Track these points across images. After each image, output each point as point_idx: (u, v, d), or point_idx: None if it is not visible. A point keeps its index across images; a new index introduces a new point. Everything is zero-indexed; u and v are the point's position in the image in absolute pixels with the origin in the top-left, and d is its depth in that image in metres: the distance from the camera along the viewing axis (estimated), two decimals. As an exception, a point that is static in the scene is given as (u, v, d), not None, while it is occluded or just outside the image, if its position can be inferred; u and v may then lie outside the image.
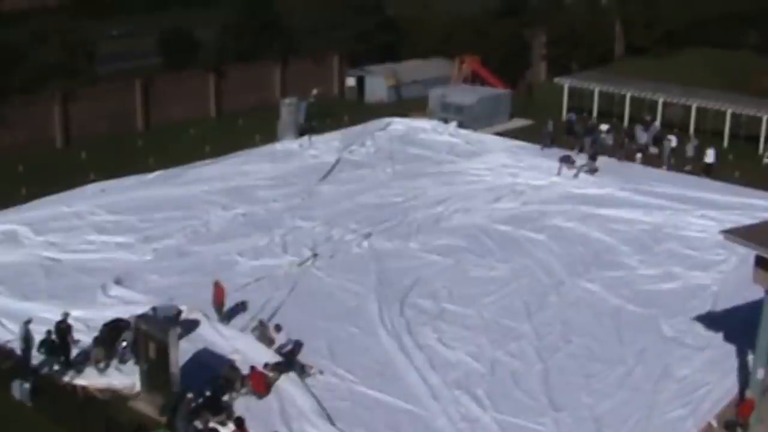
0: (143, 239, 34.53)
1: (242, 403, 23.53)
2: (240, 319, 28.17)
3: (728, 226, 29.14)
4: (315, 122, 50.44)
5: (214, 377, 24.03)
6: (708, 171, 43.42)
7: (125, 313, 26.78)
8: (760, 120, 47.29)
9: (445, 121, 51.16)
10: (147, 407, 23.43)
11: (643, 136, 47.66)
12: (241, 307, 28.91)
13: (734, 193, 40.56)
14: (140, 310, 25.94)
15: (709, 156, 43.88)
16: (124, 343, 25.26)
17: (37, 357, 25.00)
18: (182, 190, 40.17)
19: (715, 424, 22.99)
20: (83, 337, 25.83)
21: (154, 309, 26.34)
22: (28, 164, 42.44)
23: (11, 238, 34.33)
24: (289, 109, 48.79)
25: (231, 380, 24.00)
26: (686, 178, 42.95)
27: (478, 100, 51.95)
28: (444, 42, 62.93)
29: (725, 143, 47.97)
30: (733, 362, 25.93)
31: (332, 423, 22.78)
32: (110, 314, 27.51)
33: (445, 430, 22.79)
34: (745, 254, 26.63)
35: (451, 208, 38.70)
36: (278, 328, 26.51)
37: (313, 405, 23.39)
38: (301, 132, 48.82)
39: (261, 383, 23.90)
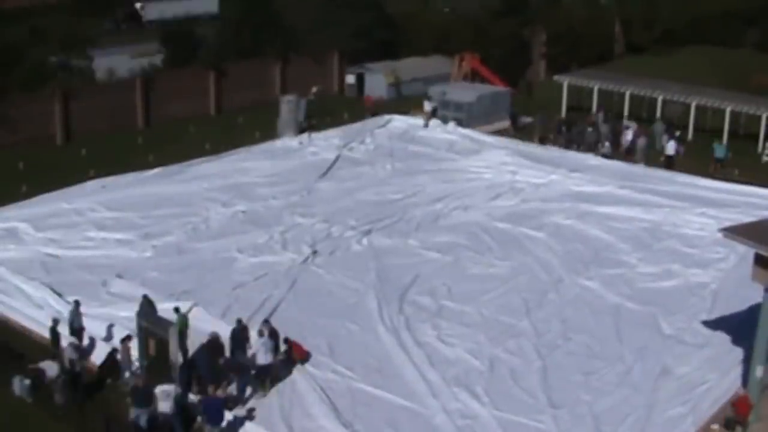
0: (143, 236, 34.57)
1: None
2: (238, 316, 28.13)
3: (727, 224, 29.19)
4: (315, 120, 50.52)
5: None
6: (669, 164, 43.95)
7: (127, 309, 26.91)
8: (759, 118, 47.30)
9: (445, 119, 51.18)
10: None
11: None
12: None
13: (733, 191, 40.59)
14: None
15: (670, 148, 44.35)
16: None
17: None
18: (182, 187, 40.23)
19: (716, 427, 22.98)
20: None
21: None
22: (28, 161, 42.46)
23: (12, 234, 34.39)
24: (288, 107, 48.83)
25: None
26: (685, 175, 42.84)
27: (477, 98, 51.96)
28: (443, 40, 62.98)
29: (724, 141, 47.95)
30: (733, 360, 25.92)
31: (338, 419, 22.82)
32: (112, 310, 27.67)
33: (444, 427, 22.82)
34: (745, 252, 26.65)
35: (451, 205, 38.73)
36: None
37: (316, 401, 23.44)
38: (301, 129, 48.90)
39: (301, 350, 25.05)
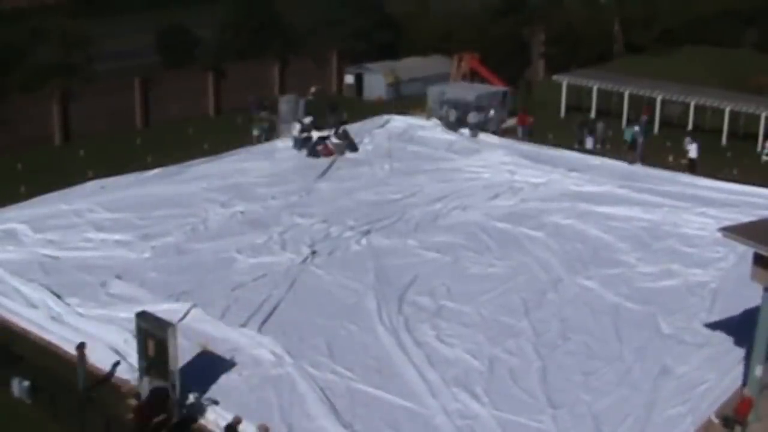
0: (142, 237, 34.54)
1: (238, 399, 23.54)
2: (237, 317, 28.16)
3: (727, 223, 29.15)
4: (315, 120, 50.49)
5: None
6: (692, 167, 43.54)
7: (126, 310, 26.87)
8: (758, 117, 47.31)
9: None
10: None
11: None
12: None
13: (733, 191, 40.56)
14: (140, 308, 25.91)
15: (692, 151, 43.91)
16: None
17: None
18: (181, 187, 40.21)
19: (716, 420, 23.03)
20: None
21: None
22: (27, 162, 42.45)
23: (10, 236, 34.34)
24: (288, 107, 48.82)
25: None
26: (685, 175, 42.83)
27: (476, 98, 51.93)
28: (443, 40, 62.97)
29: (724, 140, 48.02)
30: (732, 359, 25.91)
31: (338, 419, 22.79)
32: (111, 312, 27.64)
33: (443, 427, 22.78)
34: (744, 252, 26.62)
35: (450, 205, 38.71)
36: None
37: (316, 401, 23.43)
38: (303, 129, 48.81)
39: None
